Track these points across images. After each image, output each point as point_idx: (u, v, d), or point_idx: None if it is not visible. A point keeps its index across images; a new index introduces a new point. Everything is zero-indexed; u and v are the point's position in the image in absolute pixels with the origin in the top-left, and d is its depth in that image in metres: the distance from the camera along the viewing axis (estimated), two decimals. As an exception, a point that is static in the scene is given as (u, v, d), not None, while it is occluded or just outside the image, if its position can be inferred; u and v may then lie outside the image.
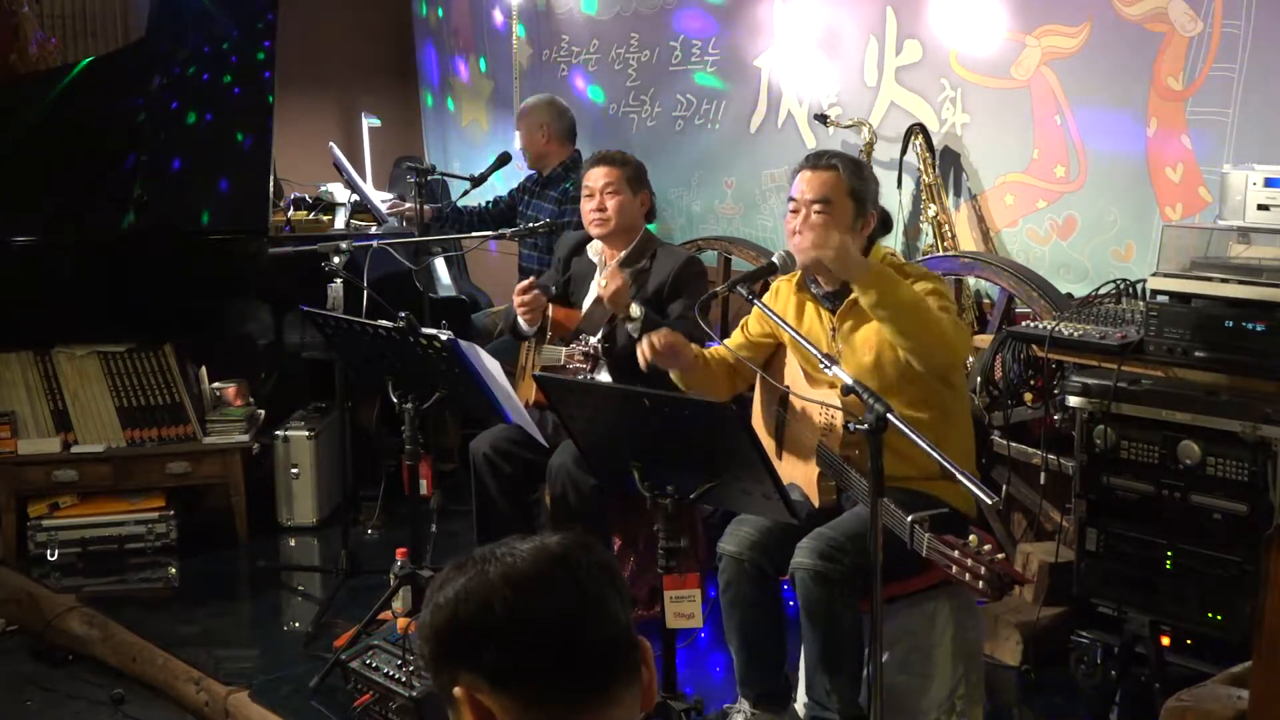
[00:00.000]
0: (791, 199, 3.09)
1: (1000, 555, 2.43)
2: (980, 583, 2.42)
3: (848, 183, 3.04)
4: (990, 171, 4.21)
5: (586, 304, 3.98)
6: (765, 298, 3.21)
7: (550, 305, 3.97)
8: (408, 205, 5.25)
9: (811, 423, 3.09)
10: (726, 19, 5.12)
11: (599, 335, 3.81)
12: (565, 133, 5.11)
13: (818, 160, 3.09)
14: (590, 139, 5.37)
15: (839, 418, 2.95)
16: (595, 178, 3.88)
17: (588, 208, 3.88)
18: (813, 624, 2.92)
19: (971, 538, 2.50)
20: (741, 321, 3.38)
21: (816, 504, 3.08)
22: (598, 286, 3.96)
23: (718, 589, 3.10)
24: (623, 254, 3.91)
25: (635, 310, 3.66)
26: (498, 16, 6.33)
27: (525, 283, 3.88)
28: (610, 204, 3.85)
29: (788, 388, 3.18)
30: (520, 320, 3.91)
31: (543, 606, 1.32)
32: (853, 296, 3.05)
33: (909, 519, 2.60)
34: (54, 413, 4.73)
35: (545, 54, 6.04)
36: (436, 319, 4.20)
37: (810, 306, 3.17)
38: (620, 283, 3.67)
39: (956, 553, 2.48)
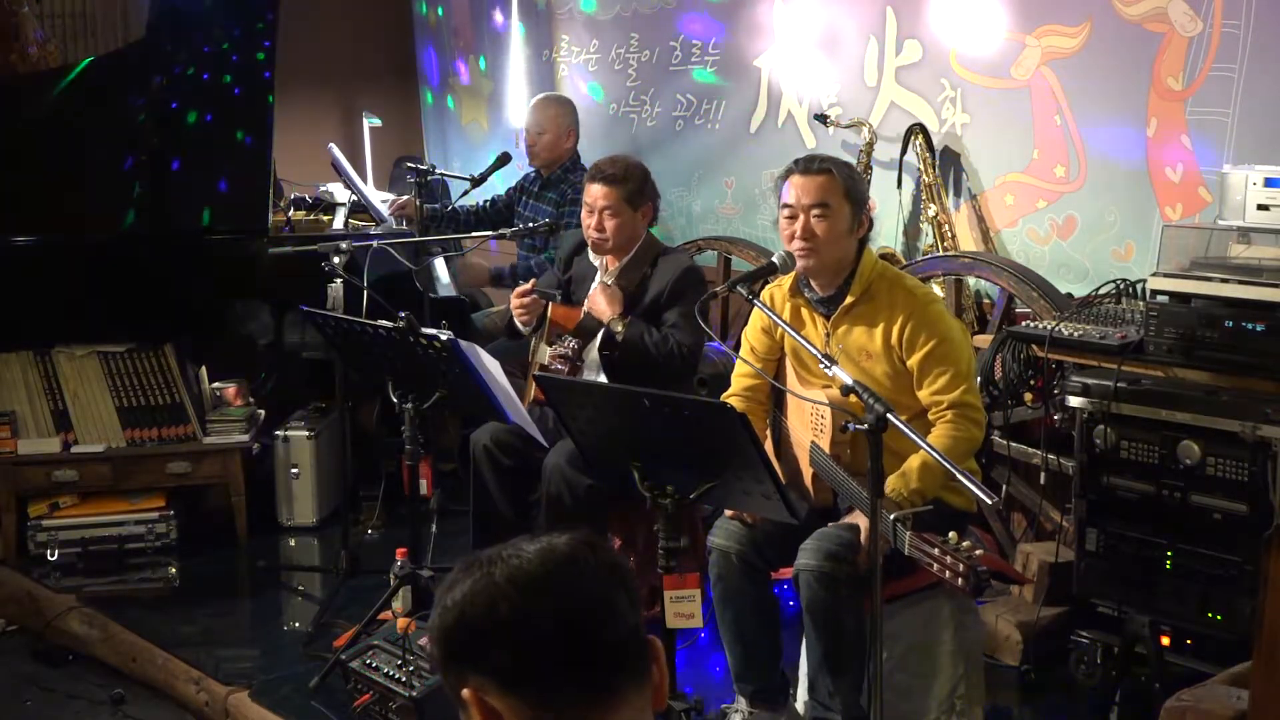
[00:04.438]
0: (787, 205, 3.07)
1: (979, 552, 2.44)
2: (959, 580, 2.42)
3: (842, 185, 3.04)
4: (990, 171, 4.21)
5: (587, 304, 3.98)
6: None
7: (549, 305, 3.99)
8: (405, 196, 5.25)
9: (806, 423, 3.10)
10: (726, 19, 5.12)
11: (596, 339, 3.80)
12: (578, 138, 5.14)
13: (809, 164, 3.07)
14: (590, 139, 5.36)
15: (829, 415, 2.96)
16: (594, 196, 3.85)
17: (588, 223, 3.87)
18: (817, 626, 2.92)
19: (951, 534, 2.50)
20: (745, 346, 3.34)
21: (812, 503, 3.09)
22: (600, 286, 3.97)
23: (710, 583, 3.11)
24: (624, 261, 3.92)
25: (619, 325, 3.69)
26: (498, 16, 6.33)
27: (527, 285, 3.89)
28: (609, 225, 3.84)
29: (785, 387, 3.18)
30: (516, 320, 3.92)
31: (549, 608, 1.32)
32: (847, 302, 3.06)
33: (891, 516, 2.60)
34: (54, 413, 4.73)
35: (545, 54, 6.04)
36: (436, 319, 4.20)
37: (805, 312, 3.17)
38: (608, 300, 3.72)
39: (936, 550, 2.48)
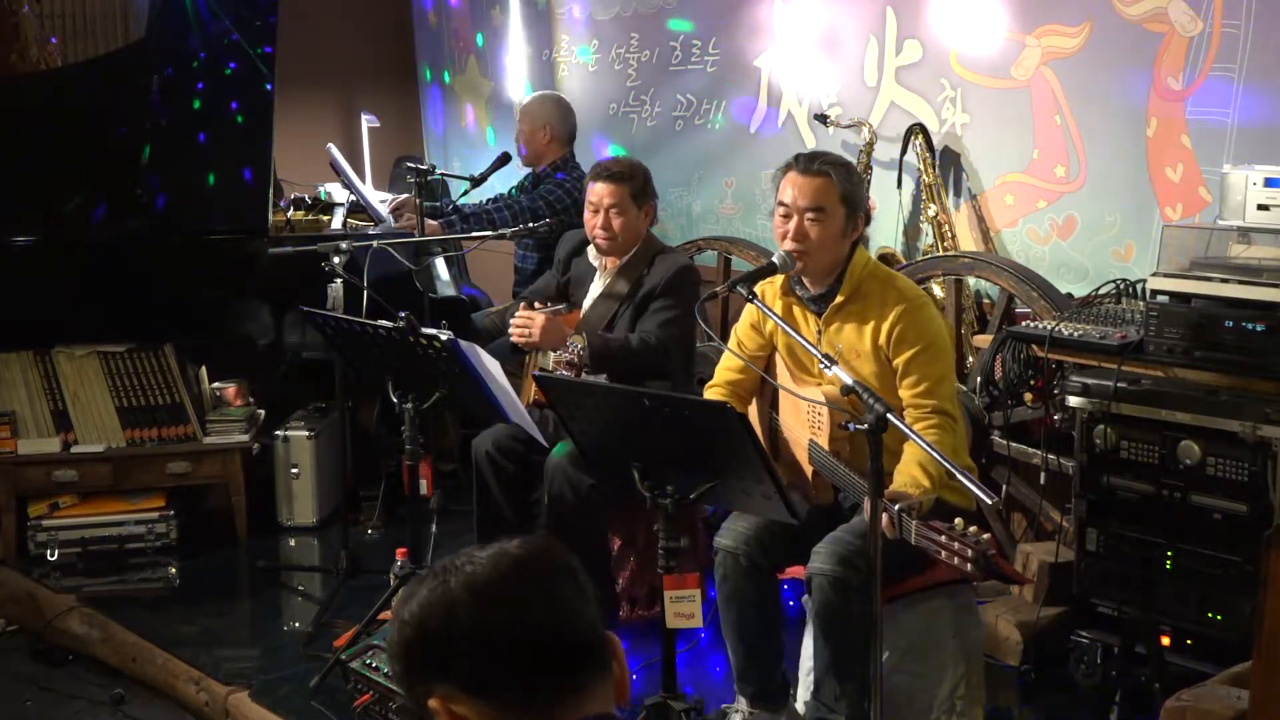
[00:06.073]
0: (782, 204, 3.06)
1: (986, 536, 2.44)
2: (967, 565, 2.42)
3: (840, 189, 3.03)
4: (990, 171, 4.21)
5: (586, 304, 3.99)
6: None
7: (549, 304, 4.00)
8: (404, 196, 5.25)
9: (802, 421, 3.10)
10: (726, 19, 5.12)
11: (584, 343, 3.79)
12: (567, 135, 5.12)
13: (809, 164, 3.06)
14: (590, 139, 5.37)
15: (826, 414, 2.96)
16: (599, 194, 3.84)
17: (593, 223, 3.87)
18: (826, 629, 2.91)
19: (957, 520, 2.50)
20: (733, 340, 3.36)
21: (813, 502, 3.09)
22: (599, 285, 3.98)
23: (714, 584, 3.11)
24: (623, 261, 3.92)
25: (579, 340, 3.71)
26: (497, 16, 6.33)
27: (524, 308, 3.92)
28: (616, 223, 3.84)
29: (779, 384, 3.18)
30: (514, 339, 3.91)
31: (507, 611, 1.33)
32: (837, 301, 3.06)
33: (896, 507, 2.60)
34: (54, 413, 4.73)
35: (545, 54, 6.04)
36: (436, 319, 4.20)
37: (797, 310, 3.17)
38: (540, 330, 3.76)
39: (943, 537, 2.48)
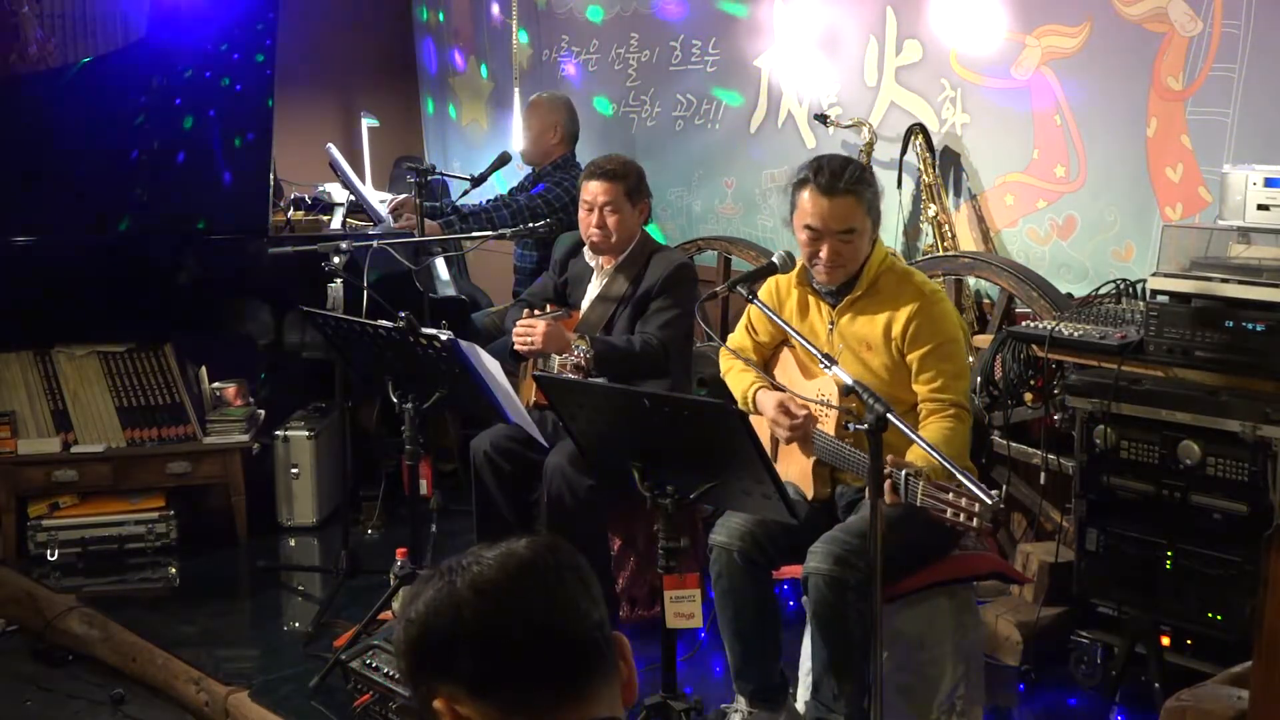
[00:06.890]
0: (810, 227, 3.02)
1: (995, 491, 2.44)
2: (973, 519, 2.42)
3: (866, 203, 3.03)
4: (990, 171, 4.21)
5: (584, 305, 3.99)
6: (766, 293, 3.22)
7: (548, 306, 4.00)
8: (403, 196, 5.25)
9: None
10: (726, 19, 5.12)
11: (589, 347, 3.79)
12: (572, 136, 5.13)
13: (833, 184, 2.99)
14: (591, 139, 5.36)
15: (834, 399, 2.99)
16: (594, 192, 3.84)
17: (588, 221, 3.87)
18: (824, 629, 2.91)
19: (962, 480, 2.50)
20: (744, 325, 3.37)
21: (810, 496, 3.09)
22: (597, 285, 3.98)
23: (711, 581, 3.11)
24: (618, 260, 3.92)
25: (584, 344, 3.69)
26: (497, 17, 6.33)
27: (527, 317, 3.91)
28: (611, 220, 3.84)
29: (784, 387, 3.18)
30: (518, 346, 3.90)
31: (513, 612, 1.33)
32: (854, 294, 3.07)
33: (903, 472, 2.60)
34: (54, 413, 4.72)
35: (545, 54, 6.04)
36: (436, 319, 4.20)
37: (812, 300, 3.18)
38: (542, 336, 3.74)
39: (949, 495, 2.48)
